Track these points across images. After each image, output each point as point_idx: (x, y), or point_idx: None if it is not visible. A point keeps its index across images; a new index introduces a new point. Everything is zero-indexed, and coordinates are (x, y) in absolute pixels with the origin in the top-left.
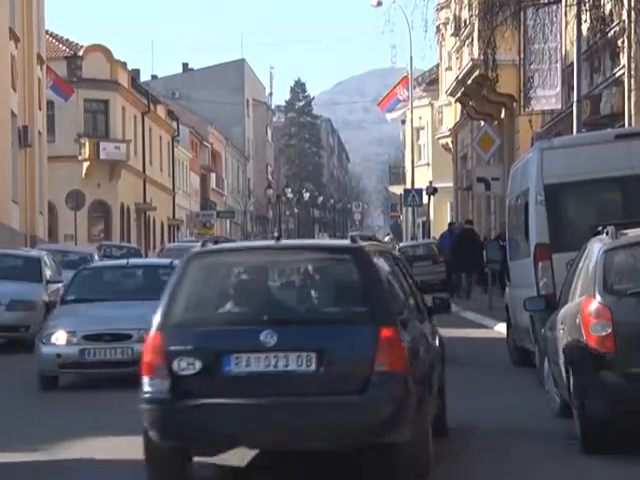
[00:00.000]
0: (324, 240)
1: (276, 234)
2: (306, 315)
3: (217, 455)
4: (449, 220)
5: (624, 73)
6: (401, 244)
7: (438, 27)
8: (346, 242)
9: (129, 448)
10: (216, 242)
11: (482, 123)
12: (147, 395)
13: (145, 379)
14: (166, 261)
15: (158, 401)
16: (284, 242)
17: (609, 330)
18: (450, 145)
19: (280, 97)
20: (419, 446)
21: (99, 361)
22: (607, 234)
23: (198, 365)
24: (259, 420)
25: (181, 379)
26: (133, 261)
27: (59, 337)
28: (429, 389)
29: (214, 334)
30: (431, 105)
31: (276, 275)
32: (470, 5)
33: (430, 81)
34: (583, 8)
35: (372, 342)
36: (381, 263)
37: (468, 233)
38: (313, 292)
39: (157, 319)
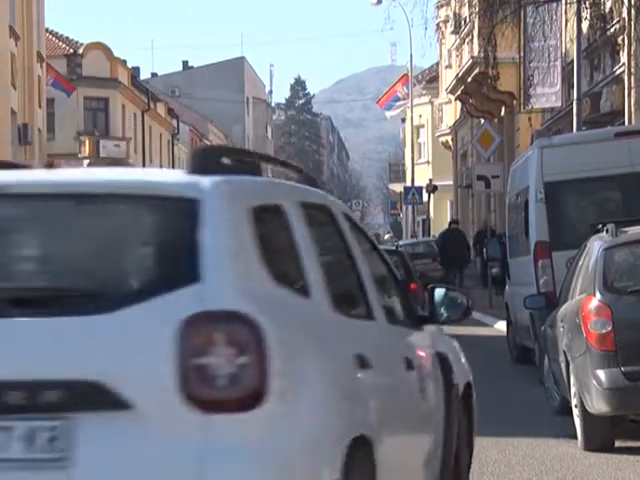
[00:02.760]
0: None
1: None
2: None
3: None
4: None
5: (624, 71)
6: (401, 242)
7: (438, 25)
8: (394, 248)
9: None
10: None
11: (482, 121)
12: None
13: None
14: None
15: None
16: None
17: (609, 328)
18: (450, 143)
19: (280, 95)
20: None
21: None
22: (607, 232)
23: None
24: None
25: None
26: None
27: None
28: None
29: None
30: (431, 103)
31: None
32: (470, 3)
33: (430, 79)
34: (583, 6)
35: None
36: (407, 256)
37: (450, 233)
38: None
39: None
